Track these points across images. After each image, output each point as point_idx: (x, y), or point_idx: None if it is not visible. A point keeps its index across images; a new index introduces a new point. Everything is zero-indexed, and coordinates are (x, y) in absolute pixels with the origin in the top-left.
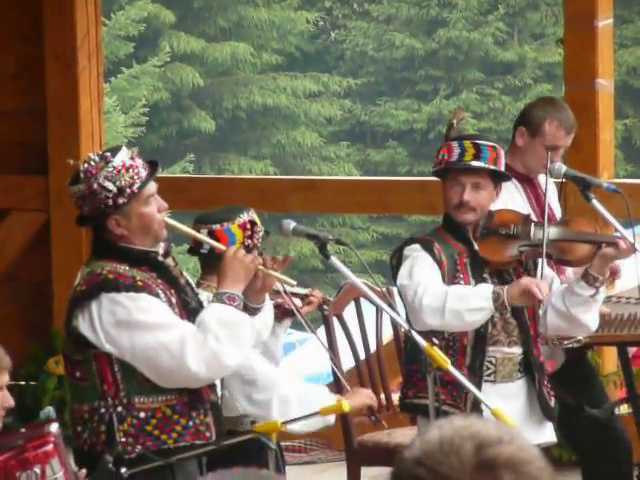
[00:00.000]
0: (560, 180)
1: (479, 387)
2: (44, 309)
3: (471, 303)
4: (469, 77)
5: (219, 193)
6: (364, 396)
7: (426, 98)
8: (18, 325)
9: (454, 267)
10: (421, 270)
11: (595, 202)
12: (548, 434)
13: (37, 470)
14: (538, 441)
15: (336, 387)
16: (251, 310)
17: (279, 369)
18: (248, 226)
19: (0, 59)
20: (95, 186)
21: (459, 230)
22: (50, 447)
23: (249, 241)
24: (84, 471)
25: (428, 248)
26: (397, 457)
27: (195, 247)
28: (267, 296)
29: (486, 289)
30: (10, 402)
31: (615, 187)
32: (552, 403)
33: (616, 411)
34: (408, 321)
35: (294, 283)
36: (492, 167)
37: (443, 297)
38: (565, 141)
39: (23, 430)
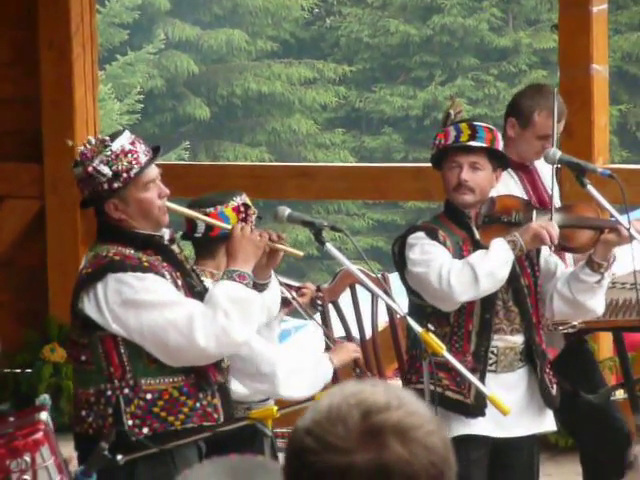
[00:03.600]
0: (555, 166)
1: (484, 374)
2: (39, 296)
3: (497, 258)
4: (464, 63)
5: (214, 180)
6: (350, 350)
7: (421, 84)
8: (13, 312)
9: (460, 253)
10: (434, 254)
11: (590, 188)
12: (548, 423)
13: (27, 458)
14: (538, 430)
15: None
16: (258, 287)
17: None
18: (242, 209)
19: None
20: (90, 169)
21: (461, 217)
22: (40, 435)
23: (243, 224)
24: (74, 456)
25: (433, 235)
26: (293, 427)
27: (189, 232)
28: (272, 272)
29: (500, 242)
30: None
31: (610, 172)
32: (554, 391)
33: (612, 397)
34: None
35: (301, 254)
36: (488, 145)
37: (469, 268)
38: (557, 129)
39: (12, 419)
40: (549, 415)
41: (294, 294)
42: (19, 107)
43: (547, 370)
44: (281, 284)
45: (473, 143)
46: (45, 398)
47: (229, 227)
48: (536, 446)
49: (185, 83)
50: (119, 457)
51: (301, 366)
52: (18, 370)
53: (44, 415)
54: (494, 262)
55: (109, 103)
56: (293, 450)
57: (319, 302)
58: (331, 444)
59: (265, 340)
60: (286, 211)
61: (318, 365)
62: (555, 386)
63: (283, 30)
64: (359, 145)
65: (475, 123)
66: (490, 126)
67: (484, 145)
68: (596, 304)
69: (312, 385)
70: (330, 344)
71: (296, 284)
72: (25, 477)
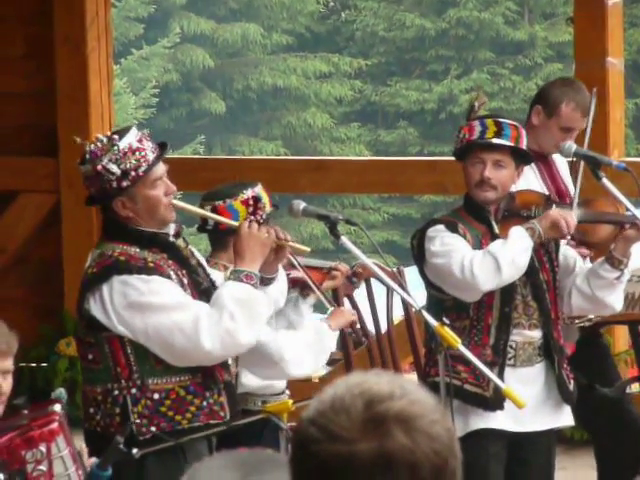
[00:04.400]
0: (571, 159)
1: (502, 368)
2: (55, 290)
3: (517, 246)
4: (480, 57)
5: (229, 174)
6: (346, 313)
7: (437, 78)
8: (29, 307)
9: (480, 247)
10: (455, 245)
11: (605, 180)
12: (566, 417)
13: (42, 448)
14: (556, 425)
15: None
16: (265, 280)
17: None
18: (251, 202)
19: (9, 41)
20: (99, 168)
21: (480, 212)
22: (55, 425)
23: (252, 217)
24: (84, 448)
25: (453, 228)
26: (298, 417)
27: (203, 225)
28: (280, 265)
29: (519, 230)
30: (3, 390)
31: (625, 165)
32: (571, 387)
33: (627, 390)
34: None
35: (308, 250)
36: (513, 144)
37: (491, 257)
38: (581, 123)
39: (26, 411)
40: (566, 410)
41: (316, 283)
42: (34, 101)
43: (565, 366)
44: (303, 267)
45: (498, 141)
46: (61, 392)
47: (236, 224)
48: (553, 440)
49: (200, 77)
50: (134, 451)
51: (304, 342)
52: (34, 364)
53: (58, 407)
54: (514, 250)
55: (124, 97)
56: (298, 440)
57: (355, 280)
58: (334, 433)
59: (294, 329)
60: (301, 205)
61: (319, 336)
62: (572, 381)
63: (298, 24)
64: (374, 139)
65: (501, 120)
66: (515, 123)
67: (510, 144)
68: (615, 300)
69: (317, 358)
70: (323, 299)
71: (327, 265)
72: (41, 467)
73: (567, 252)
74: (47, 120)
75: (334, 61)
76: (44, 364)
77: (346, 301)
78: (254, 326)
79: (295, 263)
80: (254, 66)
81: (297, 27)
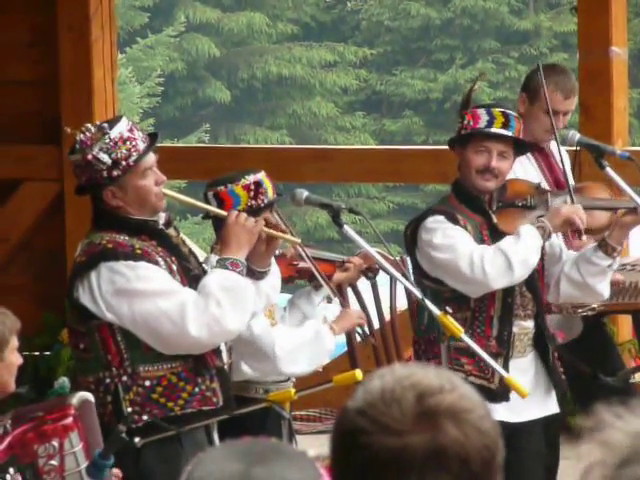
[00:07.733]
0: (574, 148)
1: (507, 359)
2: (58, 279)
3: (529, 245)
4: (485, 46)
5: (233, 162)
6: (353, 317)
7: (442, 67)
8: (32, 295)
9: (480, 237)
10: (459, 238)
11: (609, 169)
12: (553, 405)
13: (55, 443)
14: (545, 413)
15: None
16: (257, 274)
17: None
18: (252, 187)
19: (14, 29)
20: (89, 157)
21: (475, 201)
22: (69, 420)
23: (253, 202)
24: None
25: (453, 219)
26: (342, 407)
27: (207, 212)
28: (273, 259)
29: (530, 229)
30: (20, 360)
31: (629, 154)
32: (562, 375)
33: (631, 379)
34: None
35: (299, 241)
36: (521, 138)
37: (502, 254)
38: (564, 105)
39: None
40: (553, 397)
41: (320, 272)
42: (38, 89)
43: (555, 355)
44: (310, 257)
45: (505, 132)
46: (64, 381)
47: (224, 213)
48: (555, 428)
49: (206, 66)
50: (136, 439)
51: (300, 341)
52: (37, 353)
53: (76, 399)
54: (527, 249)
55: (130, 86)
56: (344, 431)
57: (370, 275)
58: (386, 425)
59: (305, 315)
60: (304, 194)
61: (318, 337)
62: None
63: (304, 13)
64: (380, 128)
65: (507, 111)
66: (517, 115)
67: (520, 137)
68: (605, 287)
69: (313, 358)
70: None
71: (340, 258)
72: (52, 462)
73: (553, 240)
74: (51, 108)
75: (339, 50)
76: (47, 352)
77: (354, 300)
78: (241, 313)
79: (302, 254)
80: (259, 55)
81: (302, 16)
